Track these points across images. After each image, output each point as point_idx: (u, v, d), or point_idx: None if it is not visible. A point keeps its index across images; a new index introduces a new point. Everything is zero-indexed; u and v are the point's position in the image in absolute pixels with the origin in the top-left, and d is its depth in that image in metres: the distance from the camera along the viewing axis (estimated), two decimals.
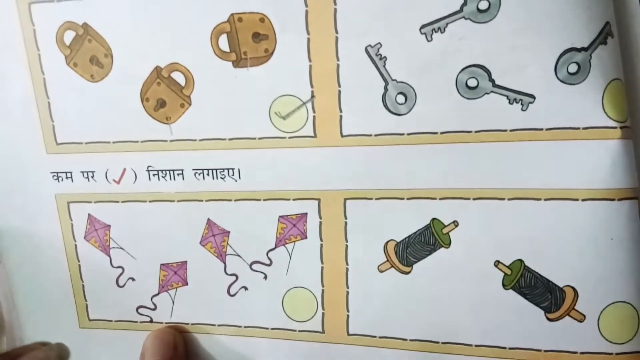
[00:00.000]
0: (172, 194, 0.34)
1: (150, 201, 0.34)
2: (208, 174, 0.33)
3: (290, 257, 0.33)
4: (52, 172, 0.35)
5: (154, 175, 0.33)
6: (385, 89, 0.29)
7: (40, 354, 0.36)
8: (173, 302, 0.35)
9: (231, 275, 0.34)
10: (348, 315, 0.33)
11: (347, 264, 0.32)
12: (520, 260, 0.30)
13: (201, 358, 0.35)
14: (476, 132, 0.29)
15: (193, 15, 0.30)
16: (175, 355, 0.34)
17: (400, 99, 0.29)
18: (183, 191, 0.33)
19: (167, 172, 0.33)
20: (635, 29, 0.28)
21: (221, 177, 0.33)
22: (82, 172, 0.34)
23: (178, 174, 0.33)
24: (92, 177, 0.34)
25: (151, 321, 0.36)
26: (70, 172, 0.35)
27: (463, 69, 0.28)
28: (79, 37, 0.32)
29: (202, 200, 0.33)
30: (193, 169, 0.33)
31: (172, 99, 0.32)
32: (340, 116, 0.30)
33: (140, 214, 0.34)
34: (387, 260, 0.31)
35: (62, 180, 0.35)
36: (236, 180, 0.32)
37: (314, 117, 0.31)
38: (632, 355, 0.29)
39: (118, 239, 0.35)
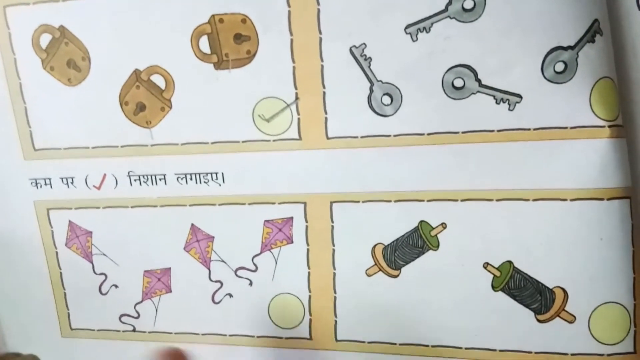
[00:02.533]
0: (154, 199, 0.33)
1: (132, 207, 0.33)
2: (191, 179, 0.32)
3: (276, 263, 0.32)
4: (30, 179, 0.34)
5: (135, 180, 0.33)
6: (371, 90, 0.29)
7: None
8: (156, 310, 0.34)
9: (216, 281, 0.33)
10: (336, 321, 0.32)
11: (334, 268, 0.32)
12: (510, 262, 0.29)
13: None
14: (463, 132, 0.29)
15: (172, 17, 0.30)
16: None
17: (386, 100, 0.29)
18: (165, 196, 0.33)
19: (149, 177, 0.33)
20: (630, 27, 0.27)
21: (204, 182, 0.32)
22: (62, 178, 0.34)
23: (160, 179, 0.32)
24: (72, 183, 0.34)
25: (134, 330, 0.35)
26: (50, 179, 0.34)
27: (449, 69, 0.28)
28: (55, 40, 0.31)
29: (185, 205, 0.33)
30: (175, 174, 0.32)
31: (152, 102, 0.31)
32: (326, 118, 0.30)
33: (123, 220, 0.34)
34: (375, 264, 0.31)
35: (41, 186, 0.34)
36: (220, 185, 0.32)
37: (299, 119, 0.30)
38: (624, 356, 0.29)
39: (100, 246, 0.34)
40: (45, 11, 0.31)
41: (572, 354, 0.29)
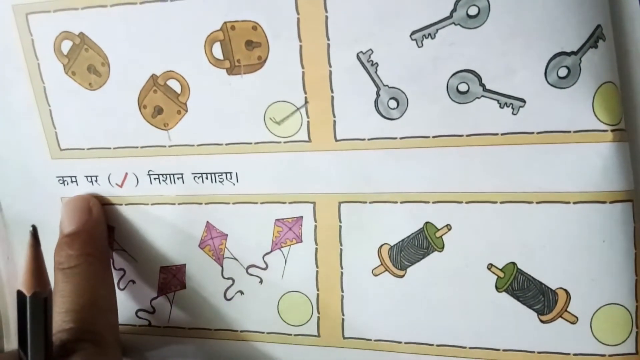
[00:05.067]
0: (172, 197, 0.34)
1: (152, 204, 0.35)
2: (207, 178, 0.33)
3: (285, 261, 0.33)
4: (57, 177, 0.36)
5: (155, 179, 0.34)
6: (378, 94, 0.30)
7: None
8: (171, 306, 0.36)
9: (228, 279, 0.34)
10: (343, 319, 0.33)
11: (341, 267, 0.32)
12: (513, 263, 0.30)
13: None
14: (467, 136, 0.29)
15: (187, 24, 0.31)
16: (90, 219, 0.34)
17: (393, 104, 0.30)
18: (183, 194, 0.34)
19: (168, 176, 0.34)
20: (634, 32, 0.28)
21: (219, 181, 0.33)
22: (87, 177, 0.35)
23: (178, 178, 0.34)
24: (96, 181, 0.35)
25: (150, 325, 0.37)
26: (75, 177, 0.35)
27: (454, 74, 0.29)
28: (75, 46, 0.32)
29: (201, 204, 0.34)
30: (192, 173, 0.33)
31: (168, 106, 0.32)
32: (334, 121, 0.31)
33: (143, 217, 0.35)
34: (381, 264, 0.32)
35: (67, 184, 0.36)
36: (234, 184, 0.33)
37: (308, 122, 0.31)
38: (625, 357, 0.29)
39: (121, 241, 0.36)
40: (65, 18, 0.32)
41: (575, 354, 0.30)
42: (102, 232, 0.35)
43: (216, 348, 0.36)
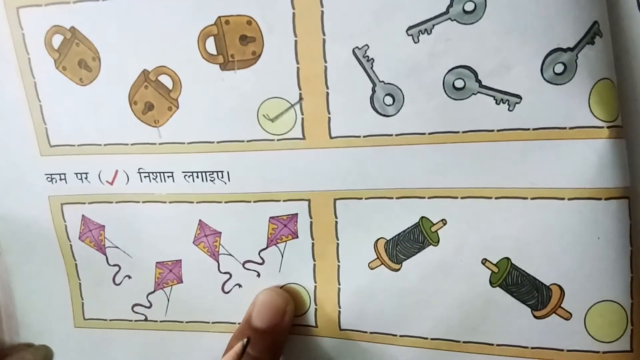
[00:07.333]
0: (163, 195, 0.34)
1: (143, 202, 0.34)
2: (197, 177, 0.33)
3: (282, 256, 0.33)
4: (46, 174, 0.35)
5: (145, 177, 0.34)
6: (373, 90, 0.29)
7: (28, 355, 0.37)
8: (168, 300, 0.36)
9: (225, 273, 0.34)
10: (340, 311, 0.33)
11: (338, 261, 0.32)
12: (507, 259, 0.30)
13: (196, 355, 0.36)
14: (463, 132, 0.29)
15: (180, 18, 0.30)
16: (282, 324, 0.33)
17: (388, 100, 0.29)
18: (174, 193, 0.34)
19: (158, 174, 0.33)
20: (630, 29, 0.28)
21: (210, 180, 0.33)
22: (76, 174, 0.35)
23: (168, 176, 0.33)
24: (86, 178, 0.35)
25: (146, 319, 0.36)
26: (64, 174, 0.35)
27: (450, 70, 0.28)
28: (67, 40, 0.32)
29: (192, 202, 0.34)
30: (183, 172, 0.33)
31: (159, 102, 0.32)
32: (329, 118, 0.30)
33: (134, 215, 0.35)
34: (377, 258, 0.32)
35: (56, 182, 0.35)
36: (225, 183, 0.33)
37: (303, 119, 0.31)
38: (620, 354, 0.29)
39: (113, 239, 0.35)
40: (56, 12, 0.31)
41: (568, 350, 0.30)
42: (284, 340, 0.33)
43: (214, 341, 0.35)
